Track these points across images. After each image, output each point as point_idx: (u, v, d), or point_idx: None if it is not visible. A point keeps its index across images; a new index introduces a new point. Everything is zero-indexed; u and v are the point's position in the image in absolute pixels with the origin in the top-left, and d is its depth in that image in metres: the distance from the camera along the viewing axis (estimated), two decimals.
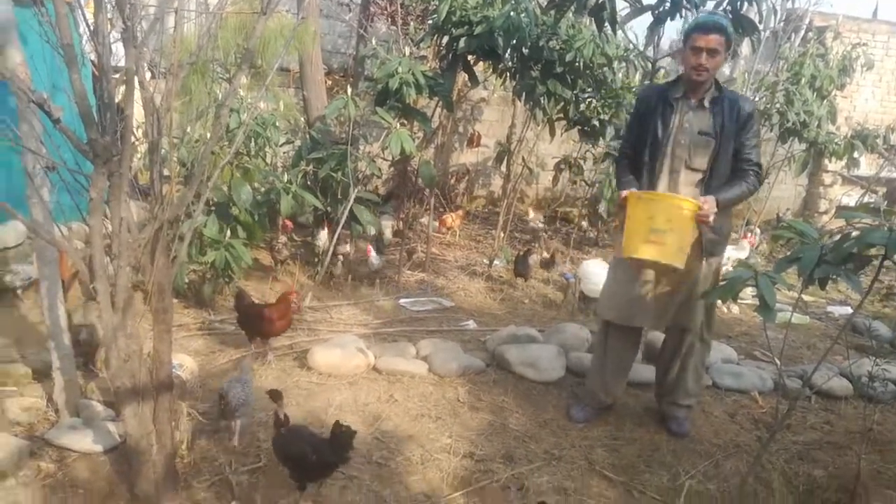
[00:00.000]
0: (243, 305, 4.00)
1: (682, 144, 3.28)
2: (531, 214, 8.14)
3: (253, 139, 5.04)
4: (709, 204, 3.12)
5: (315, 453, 2.62)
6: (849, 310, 6.46)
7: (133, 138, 4.64)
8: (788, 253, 2.66)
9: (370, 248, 5.78)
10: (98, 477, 2.79)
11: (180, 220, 2.64)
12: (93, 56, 2.38)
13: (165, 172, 2.72)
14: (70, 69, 2.23)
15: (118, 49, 2.43)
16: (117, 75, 2.95)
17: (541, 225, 7.95)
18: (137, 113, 2.94)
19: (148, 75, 2.84)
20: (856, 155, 8.20)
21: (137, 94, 2.40)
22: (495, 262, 6.55)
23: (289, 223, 5.80)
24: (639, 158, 3.40)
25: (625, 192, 3.30)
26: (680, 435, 3.58)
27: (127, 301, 2.42)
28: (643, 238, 3.10)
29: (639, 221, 3.14)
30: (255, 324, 3.92)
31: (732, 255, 6.53)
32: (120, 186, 2.34)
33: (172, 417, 2.67)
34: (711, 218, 3.12)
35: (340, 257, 5.61)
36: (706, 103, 3.27)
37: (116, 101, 2.45)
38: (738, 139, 3.28)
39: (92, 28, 2.29)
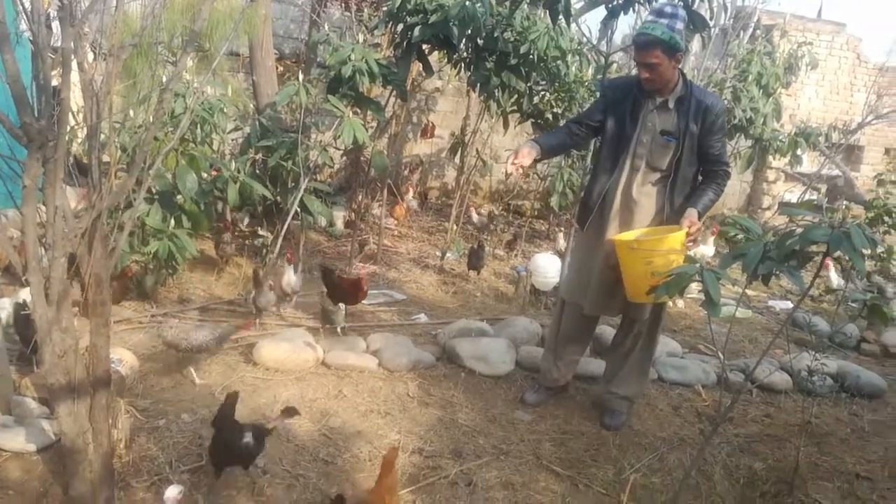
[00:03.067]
0: (333, 280, 4.60)
1: (644, 143, 3.28)
2: (473, 212, 7.80)
3: (199, 125, 4.89)
4: (695, 225, 3.14)
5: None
6: (789, 304, 6.65)
7: (73, 122, 4.48)
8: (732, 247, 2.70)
9: (290, 254, 4.79)
10: (31, 477, 2.68)
11: (120, 208, 2.54)
12: (29, 35, 2.26)
13: (105, 158, 2.61)
14: (2, 48, 2.11)
15: (58, 28, 2.31)
16: (53, 56, 2.81)
17: (479, 218, 7.77)
18: (77, 96, 2.82)
19: (90, 56, 2.71)
20: (799, 152, 8.42)
21: (75, 76, 2.29)
22: (448, 254, 6.53)
23: (228, 223, 5.60)
24: (599, 151, 3.43)
25: (526, 152, 3.31)
26: (612, 428, 3.60)
27: (62, 294, 2.30)
28: (648, 283, 3.03)
29: (638, 270, 3.14)
30: (347, 294, 4.52)
31: (699, 249, 6.54)
32: (55, 173, 2.23)
33: (110, 415, 2.56)
34: (700, 236, 3.15)
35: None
36: (671, 104, 3.25)
37: (53, 83, 2.33)
38: (706, 139, 3.26)
39: (28, 5, 2.17)
